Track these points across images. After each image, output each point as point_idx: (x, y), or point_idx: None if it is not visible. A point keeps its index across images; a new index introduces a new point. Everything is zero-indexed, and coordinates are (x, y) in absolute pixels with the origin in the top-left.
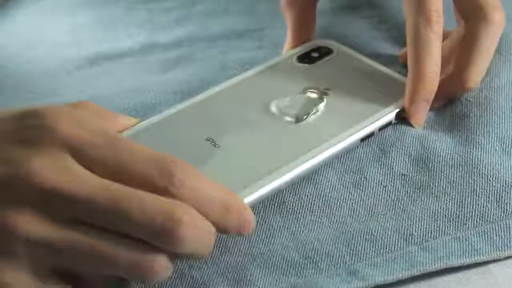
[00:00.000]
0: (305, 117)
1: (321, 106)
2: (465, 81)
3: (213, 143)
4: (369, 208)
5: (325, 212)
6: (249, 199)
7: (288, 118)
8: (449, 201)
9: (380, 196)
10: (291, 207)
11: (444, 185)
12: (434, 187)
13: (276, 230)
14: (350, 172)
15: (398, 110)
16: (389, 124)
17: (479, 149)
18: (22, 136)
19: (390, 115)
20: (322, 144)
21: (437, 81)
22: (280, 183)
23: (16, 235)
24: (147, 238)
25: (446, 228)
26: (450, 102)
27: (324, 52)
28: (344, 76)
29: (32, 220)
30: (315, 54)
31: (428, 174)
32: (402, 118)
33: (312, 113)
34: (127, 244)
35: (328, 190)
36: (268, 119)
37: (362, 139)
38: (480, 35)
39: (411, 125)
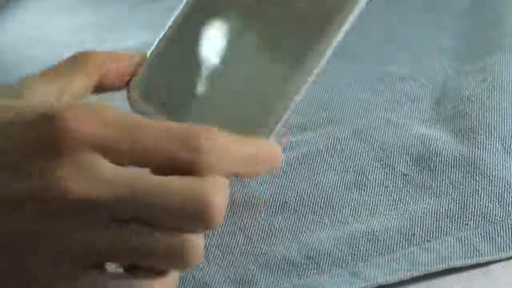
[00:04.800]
0: None
1: None
2: None
3: (221, 69)
4: (371, 208)
5: (326, 212)
6: (276, 128)
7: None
8: (451, 201)
9: (382, 196)
10: (292, 207)
11: (446, 185)
12: (436, 187)
13: (278, 231)
14: (352, 172)
15: None
16: None
17: (481, 149)
18: (40, 145)
19: None
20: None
21: None
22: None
23: (49, 248)
24: (184, 227)
25: (448, 228)
26: (452, 101)
27: None
28: None
29: (65, 232)
30: None
31: (430, 174)
32: None
33: None
34: (166, 233)
35: (330, 190)
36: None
37: None
38: None
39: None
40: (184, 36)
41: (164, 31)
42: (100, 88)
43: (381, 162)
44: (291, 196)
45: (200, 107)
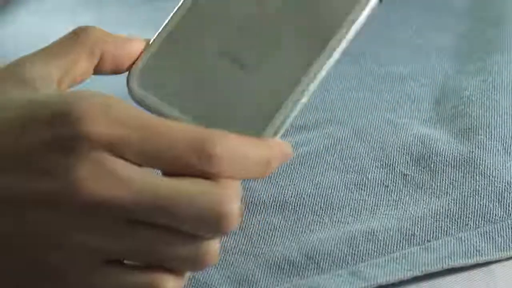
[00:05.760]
0: None
1: None
2: None
3: (233, 62)
4: (371, 208)
5: (326, 212)
6: (283, 127)
7: None
8: (451, 201)
9: (382, 196)
10: (292, 207)
11: (446, 185)
12: (436, 187)
13: (278, 230)
14: (352, 172)
15: None
16: None
17: (481, 149)
18: (55, 146)
19: None
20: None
21: None
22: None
23: (66, 246)
24: (201, 234)
25: (448, 228)
26: (452, 101)
27: None
28: None
29: (82, 231)
30: None
31: (430, 174)
32: None
33: None
34: (182, 239)
35: (330, 190)
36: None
37: None
38: None
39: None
40: (188, 29)
41: (168, 19)
42: (95, 70)
43: (381, 162)
44: (291, 196)
45: (201, 104)
